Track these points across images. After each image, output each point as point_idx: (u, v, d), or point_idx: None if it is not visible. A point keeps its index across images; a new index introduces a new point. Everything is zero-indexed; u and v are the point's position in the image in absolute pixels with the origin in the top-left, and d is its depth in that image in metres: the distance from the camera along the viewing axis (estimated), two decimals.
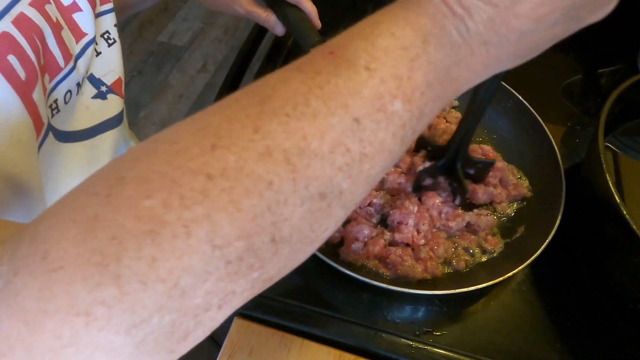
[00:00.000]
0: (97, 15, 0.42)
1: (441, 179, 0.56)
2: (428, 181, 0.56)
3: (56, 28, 0.36)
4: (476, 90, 0.46)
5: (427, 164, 0.56)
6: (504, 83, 0.65)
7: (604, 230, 0.51)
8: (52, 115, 0.38)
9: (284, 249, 0.21)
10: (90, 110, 0.42)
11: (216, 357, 0.48)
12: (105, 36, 0.43)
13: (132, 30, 2.14)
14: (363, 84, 0.22)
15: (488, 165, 0.56)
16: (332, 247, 0.54)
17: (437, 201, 0.55)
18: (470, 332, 0.49)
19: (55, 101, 0.38)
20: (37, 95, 0.33)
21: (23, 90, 0.32)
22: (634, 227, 0.42)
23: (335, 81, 0.22)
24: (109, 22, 0.43)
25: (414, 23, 0.24)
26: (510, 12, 0.23)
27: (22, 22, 0.32)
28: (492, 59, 0.26)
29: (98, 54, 0.42)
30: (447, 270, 0.53)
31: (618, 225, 0.44)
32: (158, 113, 1.86)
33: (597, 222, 0.52)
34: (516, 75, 0.67)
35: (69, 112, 0.40)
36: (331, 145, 0.21)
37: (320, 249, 0.51)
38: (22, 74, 0.32)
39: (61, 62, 0.37)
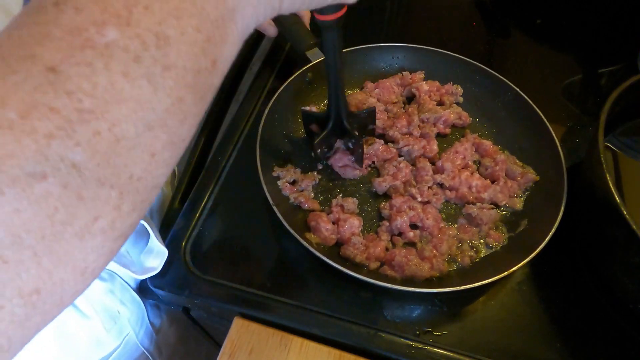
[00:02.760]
0: None
1: (339, 143, 0.60)
2: (326, 149, 0.60)
3: None
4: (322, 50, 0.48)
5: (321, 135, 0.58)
6: (499, 75, 0.65)
7: (604, 230, 0.51)
8: None
9: None
10: None
11: (216, 357, 0.48)
12: None
13: None
14: (52, 23, 0.17)
15: (370, 112, 0.59)
16: (331, 248, 0.54)
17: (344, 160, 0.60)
18: (470, 332, 0.49)
19: None
20: None
21: None
22: (634, 227, 0.42)
23: (17, 33, 0.18)
24: None
25: None
26: None
27: None
28: None
29: None
30: (453, 267, 0.53)
31: (618, 225, 0.44)
32: None
33: (597, 222, 0.52)
34: (516, 75, 0.67)
35: None
36: (23, 110, 0.16)
37: (322, 251, 0.51)
38: None
39: None
